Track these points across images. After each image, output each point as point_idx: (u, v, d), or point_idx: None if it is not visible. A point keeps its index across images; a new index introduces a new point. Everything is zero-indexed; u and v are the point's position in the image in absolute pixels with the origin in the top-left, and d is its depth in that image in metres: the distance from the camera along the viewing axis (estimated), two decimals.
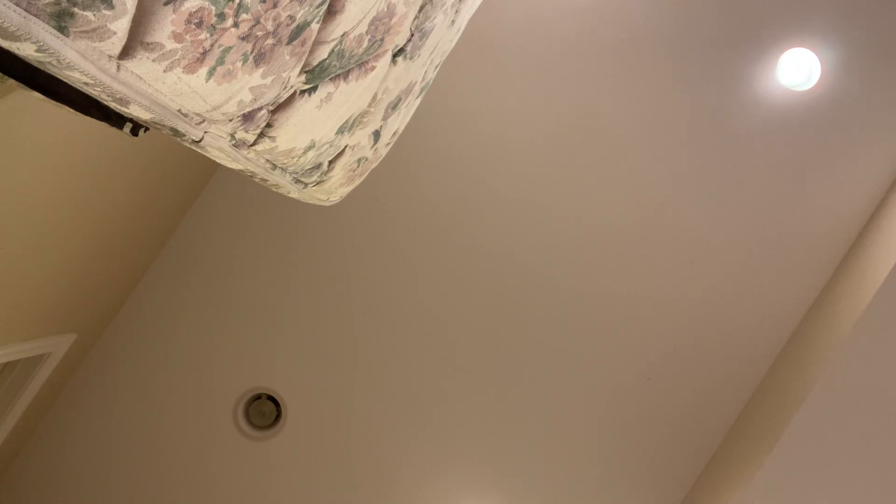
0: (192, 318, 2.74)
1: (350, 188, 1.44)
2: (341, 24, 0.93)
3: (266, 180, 1.14)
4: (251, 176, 1.11)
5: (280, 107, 0.96)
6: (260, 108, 0.91)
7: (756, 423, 2.29)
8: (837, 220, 2.44)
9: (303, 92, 0.98)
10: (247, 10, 0.73)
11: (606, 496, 2.58)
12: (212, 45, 0.73)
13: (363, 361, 2.68)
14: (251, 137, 0.95)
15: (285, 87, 0.92)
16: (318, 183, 1.27)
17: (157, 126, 0.84)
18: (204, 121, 0.84)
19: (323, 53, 0.94)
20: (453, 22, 1.36)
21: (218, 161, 1.01)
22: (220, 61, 0.76)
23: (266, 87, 0.87)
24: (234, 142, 0.93)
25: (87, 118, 1.04)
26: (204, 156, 0.98)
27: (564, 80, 2.56)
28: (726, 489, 2.16)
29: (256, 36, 0.78)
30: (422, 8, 1.13)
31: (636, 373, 2.57)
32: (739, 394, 2.52)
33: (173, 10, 0.66)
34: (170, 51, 0.69)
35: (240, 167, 1.04)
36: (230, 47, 0.75)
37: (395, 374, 2.66)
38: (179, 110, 0.79)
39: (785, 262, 2.49)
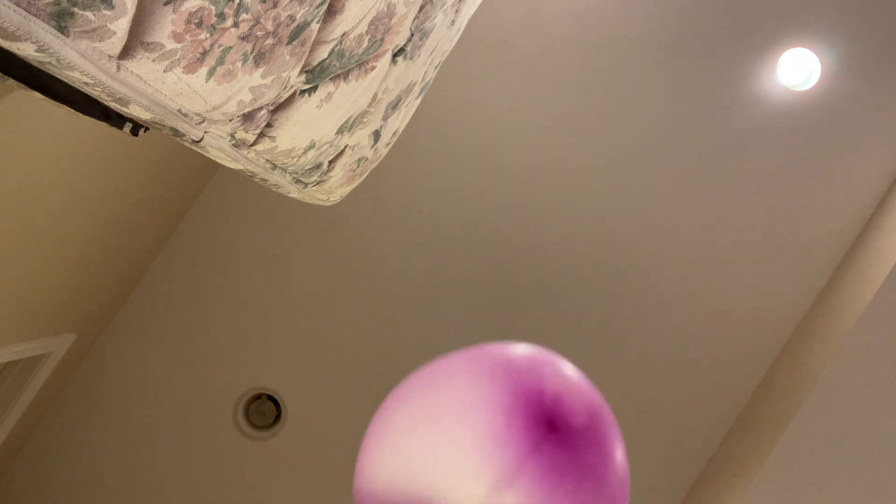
0: (192, 318, 2.73)
1: (350, 188, 1.44)
2: (341, 24, 0.93)
3: (266, 180, 1.14)
4: (251, 176, 1.11)
5: (280, 107, 0.96)
6: (260, 108, 0.91)
7: (756, 423, 2.29)
8: (837, 219, 2.44)
9: (303, 92, 0.98)
10: (247, 10, 0.73)
11: None
12: (212, 45, 0.73)
13: (363, 361, 2.68)
14: (251, 137, 0.95)
15: (285, 87, 0.92)
16: (318, 183, 1.27)
17: (157, 126, 0.84)
18: (204, 121, 0.84)
19: (323, 53, 0.95)
20: (453, 22, 1.36)
21: (218, 161, 1.01)
22: (220, 61, 0.76)
23: (266, 87, 0.87)
24: (234, 142, 0.93)
25: (87, 118, 1.04)
26: (204, 156, 0.98)
27: (564, 80, 2.56)
28: (726, 489, 2.16)
29: (256, 36, 0.78)
30: (422, 8, 1.13)
31: (636, 372, 2.56)
32: (739, 393, 2.52)
33: (173, 10, 0.66)
34: (170, 51, 0.69)
35: (240, 167, 1.04)
36: (230, 47, 0.75)
37: (395, 373, 2.66)
38: (179, 110, 0.79)
39: (785, 262, 2.49)
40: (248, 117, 0.90)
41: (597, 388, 0.49)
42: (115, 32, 0.63)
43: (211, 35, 0.71)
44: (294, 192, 1.26)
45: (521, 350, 0.48)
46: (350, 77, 1.07)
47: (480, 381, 0.43)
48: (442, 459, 0.42)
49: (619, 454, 0.47)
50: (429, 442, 0.43)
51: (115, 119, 1.06)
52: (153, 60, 0.69)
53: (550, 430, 0.43)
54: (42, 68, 0.65)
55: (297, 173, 1.17)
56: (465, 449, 0.42)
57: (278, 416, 2.74)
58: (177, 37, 0.68)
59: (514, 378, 0.44)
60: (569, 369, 0.48)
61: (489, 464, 0.42)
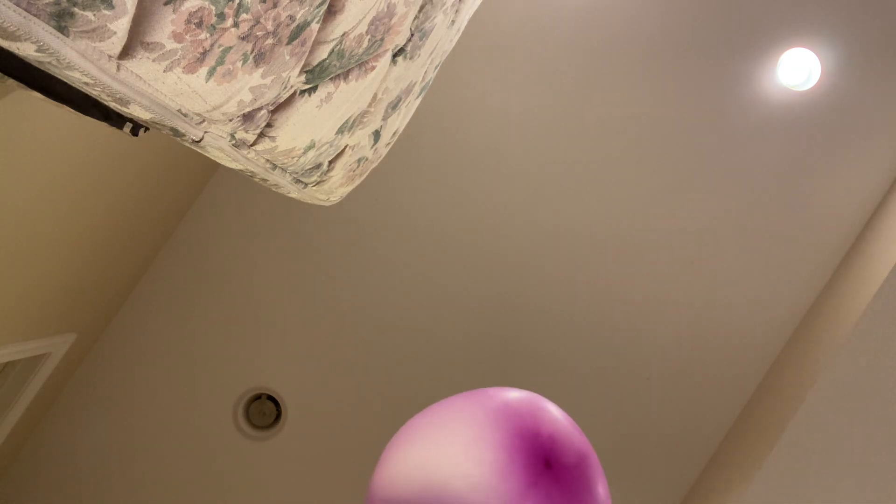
0: (192, 318, 2.73)
1: (350, 188, 1.44)
2: (341, 24, 0.93)
3: (266, 180, 1.14)
4: (251, 176, 1.11)
5: (280, 107, 0.96)
6: (260, 108, 0.91)
7: (756, 424, 2.29)
8: (837, 220, 2.44)
9: (303, 92, 0.98)
10: (247, 10, 0.73)
11: None
12: (212, 45, 0.73)
13: (363, 361, 2.68)
14: (251, 137, 0.95)
15: (285, 87, 0.92)
16: (318, 183, 1.27)
17: (157, 126, 0.84)
18: (204, 121, 0.84)
19: (323, 53, 0.95)
20: (453, 22, 1.36)
21: (218, 161, 1.01)
22: (220, 61, 0.76)
23: (266, 87, 0.87)
24: (234, 142, 0.93)
25: (87, 118, 1.04)
26: (204, 155, 0.98)
27: (564, 80, 2.56)
28: (725, 489, 2.16)
29: (256, 36, 0.78)
30: (422, 8, 1.13)
31: (635, 373, 2.57)
32: (739, 394, 2.52)
33: (173, 10, 0.66)
34: (170, 51, 0.69)
35: (240, 167, 1.04)
36: (230, 47, 0.76)
37: (394, 373, 2.66)
38: (179, 110, 0.80)
39: (785, 262, 2.49)
40: (248, 117, 0.90)
41: (583, 433, 0.55)
42: (115, 32, 0.63)
43: (211, 35, 0.71)
44: (294, 193, 1.26)
45: (517, 395, 0.54)
46: (350, 77, 1.07)
47: (485, 423, 0.48)
48: (452, 491, 0.47)
49: (601, 489, 0.54)
50: (440, 475, 0.48)
51: (115, 119, 1.06)
52: (153, 60, 0.69)
53: (546, 467, 0.49)
54: (42, 68, 0.65)
55: (297, 173, 1.17)
56: (474, 482, 0.47)
57: (278, 416, 2.74)
58: (177, 37, 0.68)
59: (515, 421, 0.49)
60: (559, 414, 0.54)
61: (495, 496, 0.47)
